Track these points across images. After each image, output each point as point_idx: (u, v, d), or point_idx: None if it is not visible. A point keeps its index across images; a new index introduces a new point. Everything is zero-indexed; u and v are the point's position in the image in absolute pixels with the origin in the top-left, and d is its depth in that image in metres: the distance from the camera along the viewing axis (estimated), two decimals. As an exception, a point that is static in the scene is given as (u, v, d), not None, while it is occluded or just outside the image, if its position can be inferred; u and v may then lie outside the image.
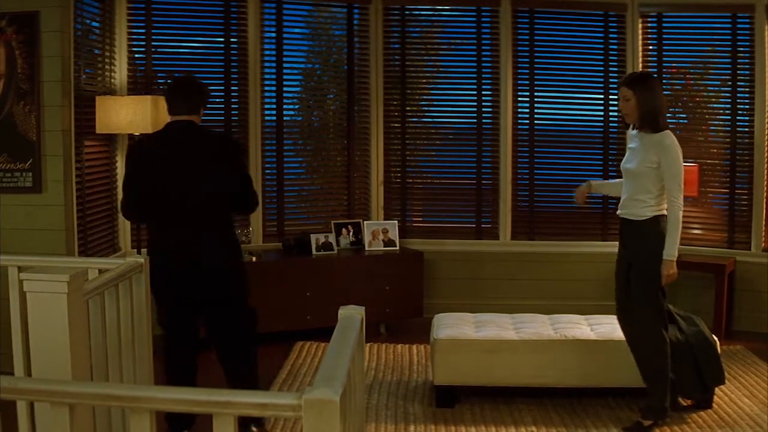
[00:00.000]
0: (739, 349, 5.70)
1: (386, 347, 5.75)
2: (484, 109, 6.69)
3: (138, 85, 5.86)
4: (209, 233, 3.84)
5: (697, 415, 4.40)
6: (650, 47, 6.52)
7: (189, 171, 3.77)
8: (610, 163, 6.62)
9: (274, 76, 6.37)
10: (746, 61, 6.24)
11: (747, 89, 6.24)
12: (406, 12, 6.66)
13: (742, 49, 6.26)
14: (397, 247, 6.33)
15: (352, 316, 2.55)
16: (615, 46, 6.59)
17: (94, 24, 5.54)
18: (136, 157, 3.87)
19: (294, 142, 6.70)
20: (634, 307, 4.22)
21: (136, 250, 5.45)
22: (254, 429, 4.00)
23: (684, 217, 6.25)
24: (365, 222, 6.39)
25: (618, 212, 4.34)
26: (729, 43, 6.31)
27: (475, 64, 6.68)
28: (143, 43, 5.90)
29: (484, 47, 6.66)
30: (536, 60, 6.64)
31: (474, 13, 6.66)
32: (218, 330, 4.02)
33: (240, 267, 4.03)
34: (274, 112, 6.40)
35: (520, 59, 6.62)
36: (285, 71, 6.41)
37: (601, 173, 6.63)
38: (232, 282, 3.96)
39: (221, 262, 3.90)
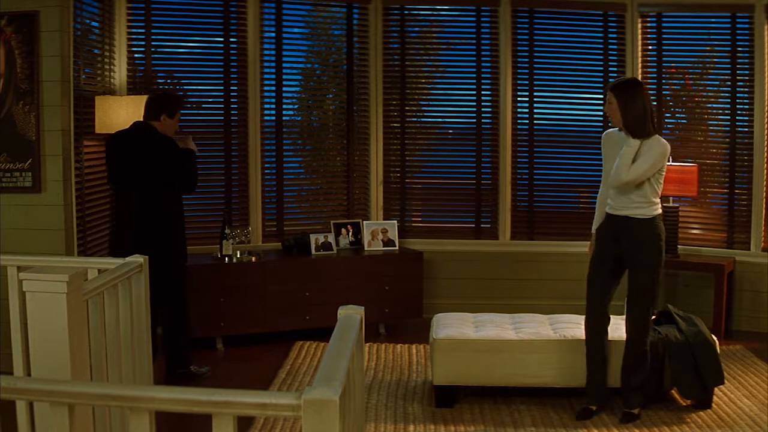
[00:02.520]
0: (738, 349, 5.69)
1: (385, 347, 5.75)
2: (483, 109, 6.69)
3: (137, 85, 5.86)
4: (158, 203, 4.84)
5: (697, 415, 4.40)
6: (650, 47, 6.51)
7: (138, 156, 4.84)
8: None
9: (273, 76, 6.37)
10: (745, 61, 6.24)
11: (746, 89, 6.24)
12: (406, 12, 6.66)
13: (741, 49, 6.26)
14: (397, 247, 6.33)
15: (351, 316, 2.55)
16: (614, 46, 6.59)
17: (94, 24, 5.53)
18: (109, 145, 5.00)
19: (293, 142, 6.70)
20: (632, 301, 4.31)
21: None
22: (193, 368, 5.01)
23: (683, 217, 6.38)
24: (364, 222, 6.39)
25: (614, 212, 4.36)
26: (728, 43, 6.31)
27: (474, 64, 6.68)
28: (143, 43, 5.91)
29: (483, 47, 6.67)
30: (536, 60, 6.64)
31: (473, 13, 6.66)
32: (162, 290, 4.80)
33: (176, 228, 4.94)
34: (273, 112, 6.40)
35: (519, 59, 6.62)
36: (284, 71, 6.41)
37: (600, 173, 6.59)
38: (170, 239, 4.91)
39: (164, 225, 4.86)
